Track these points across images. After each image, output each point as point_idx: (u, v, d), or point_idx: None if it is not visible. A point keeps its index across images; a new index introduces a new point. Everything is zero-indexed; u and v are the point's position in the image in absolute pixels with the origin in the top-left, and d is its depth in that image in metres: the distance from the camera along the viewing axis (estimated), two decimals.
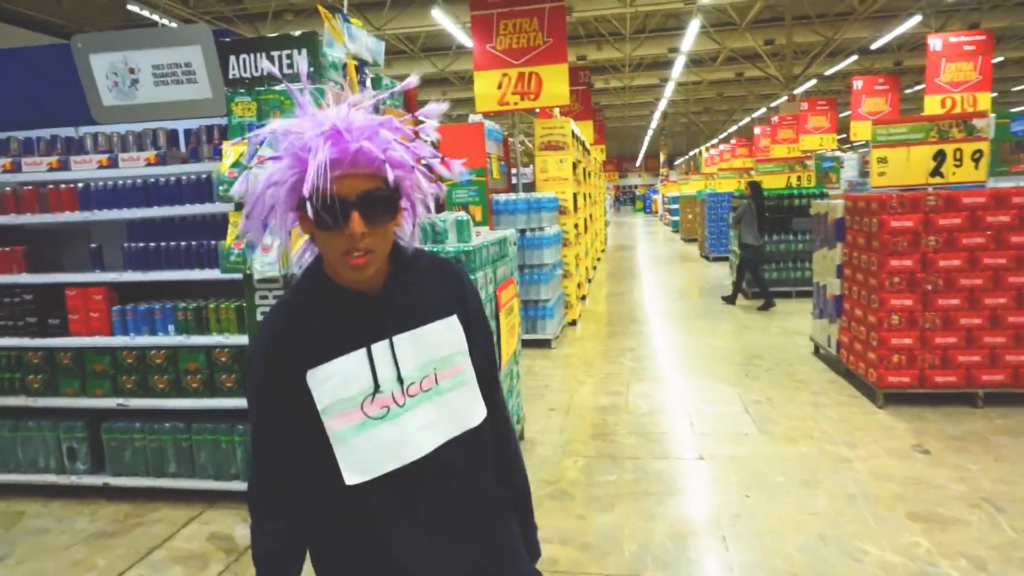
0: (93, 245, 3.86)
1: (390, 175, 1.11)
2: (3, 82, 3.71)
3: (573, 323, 8.42)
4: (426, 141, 1.22)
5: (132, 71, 3.42)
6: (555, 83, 8.17)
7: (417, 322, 1.25)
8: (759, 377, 5.81)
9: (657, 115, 31.62)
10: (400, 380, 1.22)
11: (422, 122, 1.24)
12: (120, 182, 3.73)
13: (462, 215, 3.61)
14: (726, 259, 11.41)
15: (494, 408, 1.39)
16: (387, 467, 1.20)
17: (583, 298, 9.87)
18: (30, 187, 3.80)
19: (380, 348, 1.21)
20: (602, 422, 4.89)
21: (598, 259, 14.64)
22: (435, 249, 3.36)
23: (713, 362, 6.36)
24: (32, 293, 3.85)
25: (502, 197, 7.23)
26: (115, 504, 3.85)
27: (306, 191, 1.06)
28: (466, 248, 3.35)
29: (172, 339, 3.69)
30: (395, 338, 1.22)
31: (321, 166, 1.06)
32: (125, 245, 3.79)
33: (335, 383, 1.18)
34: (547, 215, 7.32)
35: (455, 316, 1.30)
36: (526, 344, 5.23)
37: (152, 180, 3.70)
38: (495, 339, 3.69)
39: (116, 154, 3.68)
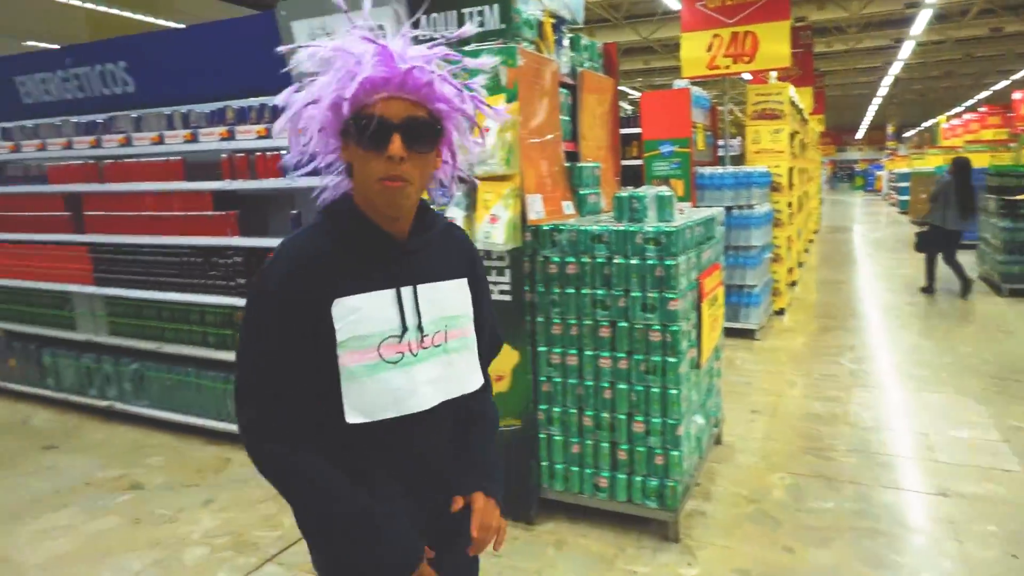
0: (294, 211, 3.97)
1: (435, 96, 1.11)
2: (218, 53, 3.89)
3: (780, 312, 7.52)
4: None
5: (330, 36, 3.39)
6: (774, 43, 7.27)
7: (436, 276, 1.26)
8: (1022, 397, 4.69)
9: (887, 81, 27.91)
10: (420, 328, 1.22)
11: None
12: None
13: (664, 190, 3.14)
14: (973, 246, 9.60)
15: (492, 350, 1.46)
16: (388, 413, 1.19)
17: (793, 284, 8.85)
18: (242, 154, 3.98)
19: (407, 293, 1.21)
20: (815, 433, 4.20)
21: (810, 241, 13.19)
22: (632, 229, 2.94)
23: (957, 372, 5.27)
24: (242, 255, 4.05)
25: (707, 170, 6.56)
26: None
27: (348, 93, 1.06)
28: (667, 228, 2.89)
29: None
30: (419, 287, 1.23)
31: (368, 80, 1.06)
32: None
33: (357, 318, 1.16)
34: (757, 191, 6.54)
35: (465, 280, 1.32)
36: (727, 333, 4.72)
37: None
38: (696, 331, 3.23)
39: None
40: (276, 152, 3.86)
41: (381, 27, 1.14)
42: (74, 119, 4.64)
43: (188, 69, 3.94)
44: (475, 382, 1.32)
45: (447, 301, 1.27)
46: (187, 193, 4.17)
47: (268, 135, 3.84)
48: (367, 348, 1.16)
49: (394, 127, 1.09)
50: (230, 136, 3.96)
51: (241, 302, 4.06)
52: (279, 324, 1.16)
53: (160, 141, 4.17)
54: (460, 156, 1.26)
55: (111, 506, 3.57)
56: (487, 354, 1.43)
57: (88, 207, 4.59)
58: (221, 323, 4.20)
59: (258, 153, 3.92)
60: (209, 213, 4.10)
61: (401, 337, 1.19)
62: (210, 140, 4.04)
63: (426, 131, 1.13)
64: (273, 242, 3.94)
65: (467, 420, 1.37)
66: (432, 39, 1.18)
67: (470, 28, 1.22)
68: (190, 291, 4.24)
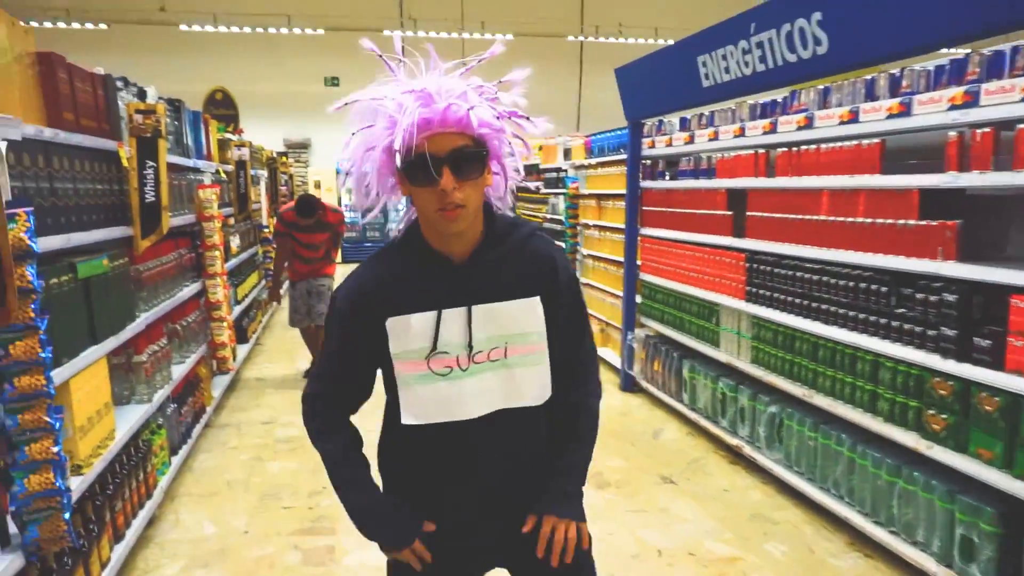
0: None
1: (475, 121, 1.19)
2: None
3: None
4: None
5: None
6: None
7: (496, 296, 1.32)
8: None
9: None
10: (469, 347, 1.31)
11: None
12: None
13: None
14: None
15: (578, 364, 1.46)
16: (438, 418, 1.33)
17: None
18: (986, 130, 2.43)
19: (453, 314, 1.30)
20: None
21: None
22: None
23: None
24: (957, 292, 2.54)
25: None
26: None
27: (397, 144, 1.17)
28: None
29: None
30: (474, 307, 1.30)
31: (412, 125, 1.16)
32: None
33: (409, 334, 1.30)
34: None
35: (537, 298, 1.35)
36: None
37: None
38: None
39: None
40: None
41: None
42: (750, 100, 3.91)
43: (911, 3, 2.61)
44: (539, 395, 1.38)
45: (510, 320, 1.33)
46: (880, 192, 2.88)
47: None
48: (418, 360, 1.30)
49: (442, 161, 1.19)
50: (970, 101, 2.46)
51: (943, 364, 2.57)
52: (341, 335, 1.38)
53: (852, 119, 2.99)
54: (510, 168, 1.34)
55: None
56: (575, 366, 1.45)
57: (752, 207, 3.81)
58: (903, 386, 2.79)
59: (1021, 126, 2.31)
60: (911, 222, 2.72)
61: (449, 352, 1.30)
62: (930, 111, 2.63)
63: (472, 158, 1.22)
64: (1017, 278, 2.30)
65: (564, 423, 1.45)
66: (463, 62, 1.28)
67: (499, 47, 1.27)
68: (863, 331, 2.96)
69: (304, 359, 6.32)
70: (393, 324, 1.30)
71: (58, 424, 1.93)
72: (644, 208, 5.17)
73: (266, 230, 7.89)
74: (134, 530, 2.94)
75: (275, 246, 6.06)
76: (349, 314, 1.35)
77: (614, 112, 5.91)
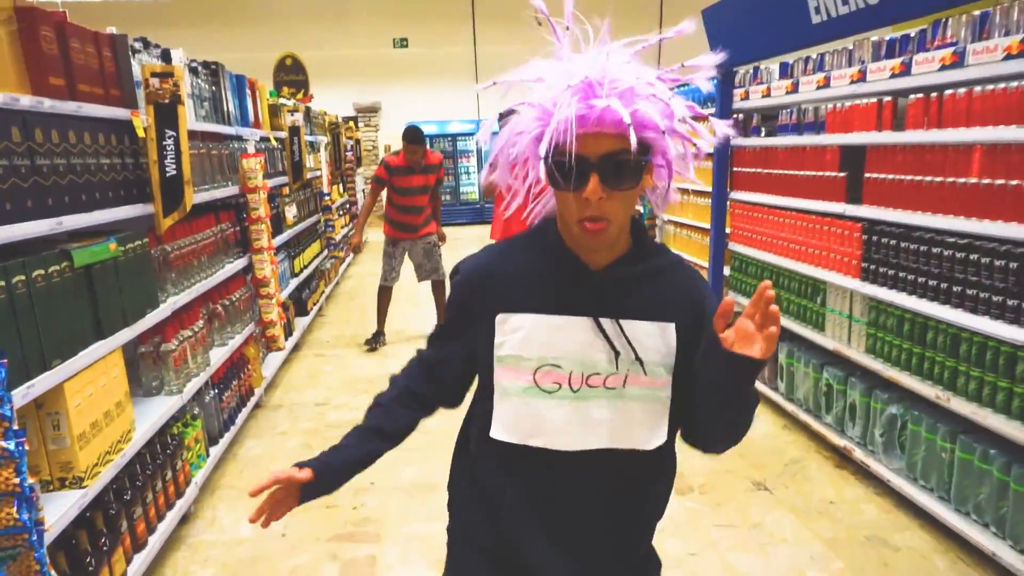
0: None
1: (633, 141, 0.98)
2: None
3: None
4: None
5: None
6: None
7: (628, 314, 1.13)
8: None
9: None
10: (586, 362, 1.12)
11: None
12: None
13: None
14: None
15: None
16: (533, 441, 1.14)
17: None
18: None
19: (578, 323, 1.12)
20: None
21: None
22: None
23: None
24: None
25: None
26: None
27: (541, 151, 1.01)
28: None
29: None
30: (603, 320, 1.12)
31: (563, 123, 0.98)
32: None
33: (521, 336, 1.13)
34: None
35: (674, 325, 1.14)
36: None
37: None
38: None
39: None
40: None
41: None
42: (874, 36, 3.20)
43: None
44: (654, 440, 1.16)
45: (638, 344, 1.12)
46: None
47: None
48: (524, 369, 1.13)
49: (591, 167, 1.01)
50: None
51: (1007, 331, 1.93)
52: (454, 313, 1.23)
53: (1018, 52, 2.29)
54: (675, 171, 1.10)
55: None
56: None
57: (872, 167, 3.13)
58: (978, 358, 2.15)
59: None
60: None
61: (563, 368, 1.11)
62: None
63: (627, 168, 1.02)
64: None
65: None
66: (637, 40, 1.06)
67: (689, 25, 1.09)
68: None
69: (367, 332, 6.03)
70: (503, 320, 1.14)
71: (20, 450, 1.61)
72: (735, 169, 4.52)
73: (327, 198, 7.64)
74: (160, 534, 2.69)
75: (367, 190, 5.94)
76: (462, 294, 1.22)
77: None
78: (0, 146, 1.87)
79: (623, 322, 1.12)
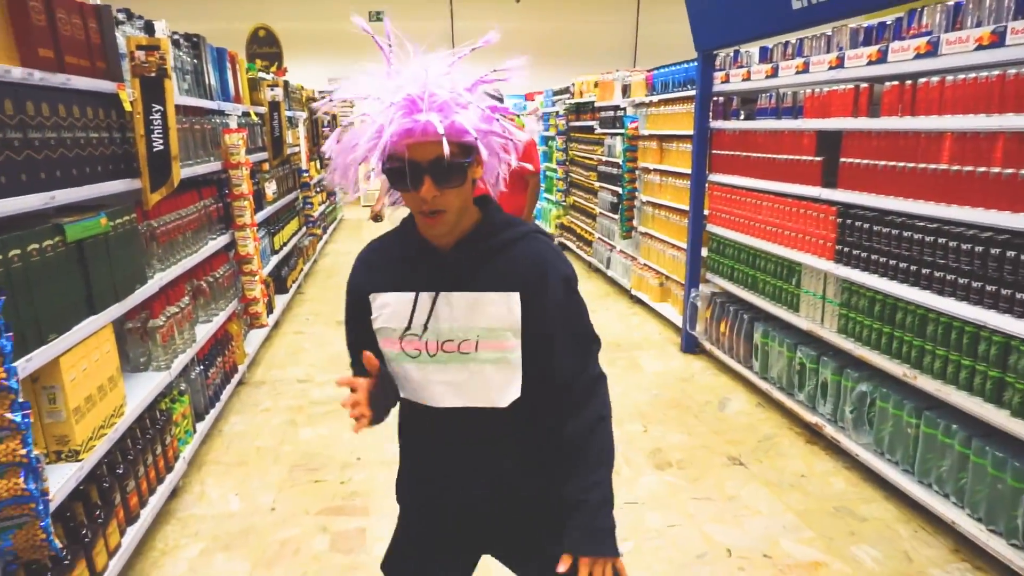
0: None
1: (446, 150, 1.13)
2: None
3: None
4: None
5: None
6: None
7: (474, 287, 1.29)
8: None
9: None
10: (432, 331, 1.30)
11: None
12: None
13: None
14: None
15: (580, 381, 1.36)
16: (416, 399, 1.35)
17: None
18: None
19: (426, 298, 1.30)
20: None
21: None
22: None
23: None
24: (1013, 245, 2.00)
25: None
26: None
27: (373, 161, 1.19)
28: None
29: None
30: (443, 293, 1.29)
31: (392, 137, 1.14)
32: None
33: (387, 312, 1.32)
34: None
35: (517, 295, 1.29)
36: None
37: None
38: None
39: None
40: None
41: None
42: (852, 24, 3.29)
43: None
44: (507, 397, 1.33)
45: (484, 312, 1.29)
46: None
47: None
48: (392, 339, 1.32)
49: (423, 170, 1.17)
50: None
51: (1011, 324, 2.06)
52: (348, 307, 1.42)
53: (996, 41, 2.38)
54: (504, 158, 1.30)
55: None
56: (568, 377, 1.35)
57: (848, 152, 3.23)
58: (968, 347, 2.29)
59: None
60: None
61: (420, 336, 1.30)
62: None
63: (454, 169, 1.19)
64: None
65: (563, 449, 1.37)
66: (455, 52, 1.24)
67: (494, 36, 1.22)
68: (992, 306, 2.44)
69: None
70: (375, 298, 1.35)
71: (26, 422, 1.63)
72: (714, 152, 4.60)
73: (306, 174, 7.57)
74: (151, 507, 2.72)
75: None
76: (349, 284, 1.42)
77: (674, 48, 5.27)
78: None
79: (466, 294, 1.29)
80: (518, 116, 1.24)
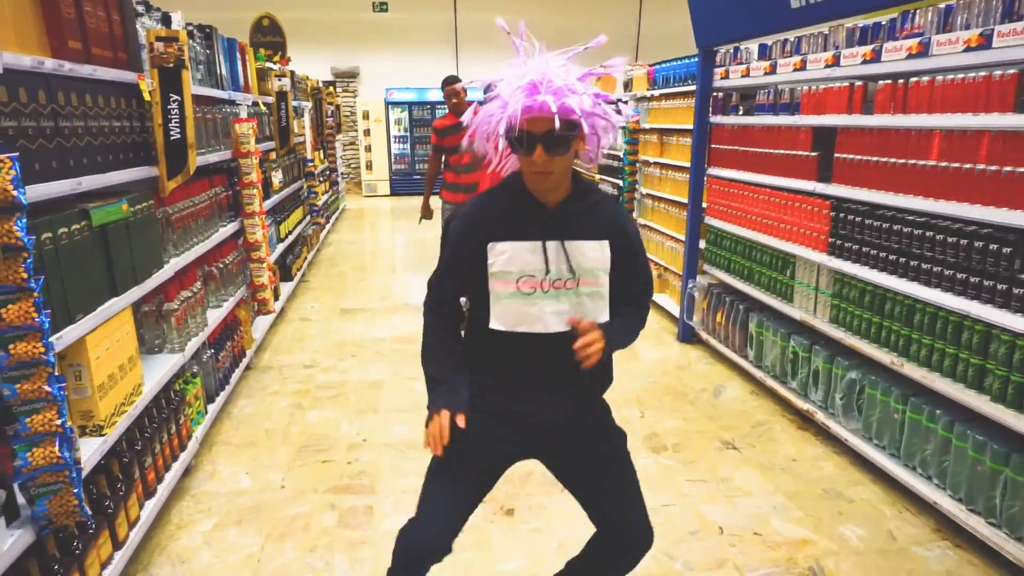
0: None
1: (557, 124, 1.47)
2: None
3: None
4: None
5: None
6: None
7: (576, 236, 1.65)
8: None
9: None
10: (549, 272, 1.63)
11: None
12: None
13: None
14: None
15: (637, 296, 1.80)
16: (520, 328, 1.66)
17: None
18: None
19: (542, 246, 1.63)
20: None
21: None
22: None
23: None
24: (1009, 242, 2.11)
25: None
26: None
27: (501, 129, 1.54)
28: None
29: None
30: (555, 242, 1.63)
31: (515, 112, 1.48)
32: None
33: (506, 258, 1.63)
34: None
35: (607, 242, 1.68)
36: None
37: None
38: None
39: None
40: None
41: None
42: (848, 23, 3.38)
43: None
44: (601, 319, 1.68)
45: (584, 256, 1.65)
46: (1014, 134, 2.41)
47: None
48: (509, 280, 1.63)
49: (537, 139, 1.51)
50: None
51: (997, 316, 2.18)
52: (455, 255, 1.73)
53: (983, 44, 2.48)
54: (602, 139, 1.62)
55: None
56: (633, 299, 1.79)
57: (842, 148, 3.34)
58: (1021, 364, 2.40)
59: None
60: None
61: (535, 276, 1.63)
62: None
63: (561, 140, 1.52)
64: None
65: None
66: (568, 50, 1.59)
67: (604, 38, 1.55)
68: (975, 297, 2.56)
69: (349, 298, 6.16)
70: (492, 247, 1.63)
71: (61, 394, 1.74)
72: (713, 146, 4.70)
73: (311, 164, 7.66)
74: (167, 484, 2.84)
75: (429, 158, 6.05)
76: (460, 237, 1.70)
77: (675, 42, 5.35)
78: (29, 108, 1.96)
79: (572, 243, 1.64)
80: (617, 102, 1.66)
